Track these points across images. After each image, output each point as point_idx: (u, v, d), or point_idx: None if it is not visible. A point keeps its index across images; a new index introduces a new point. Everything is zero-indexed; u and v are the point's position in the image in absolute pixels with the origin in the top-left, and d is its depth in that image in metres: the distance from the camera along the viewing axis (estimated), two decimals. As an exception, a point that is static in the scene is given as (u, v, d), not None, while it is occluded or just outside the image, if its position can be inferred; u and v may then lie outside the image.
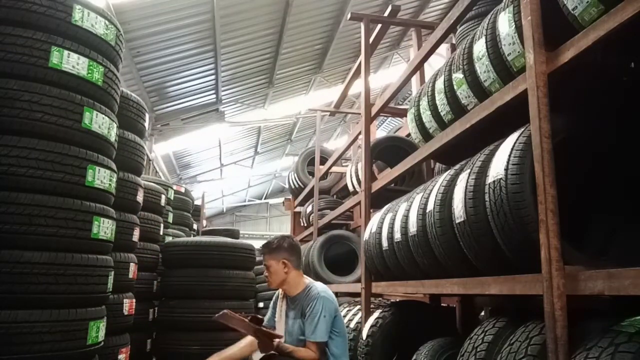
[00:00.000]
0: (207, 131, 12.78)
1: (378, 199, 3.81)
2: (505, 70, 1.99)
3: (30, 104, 2.15)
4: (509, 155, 1.72)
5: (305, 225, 7.50)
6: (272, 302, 2.76)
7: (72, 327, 2.18)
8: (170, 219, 5.69)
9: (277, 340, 2.30)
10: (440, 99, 2.55)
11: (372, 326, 2.99)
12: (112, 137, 2.56)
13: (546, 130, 1.59)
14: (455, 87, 2.40)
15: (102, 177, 2.39)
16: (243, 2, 8.19)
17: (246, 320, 2.29)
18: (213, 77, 10.36)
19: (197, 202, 10.03)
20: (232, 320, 2.29)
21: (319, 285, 2.57)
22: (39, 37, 2.22)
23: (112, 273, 2.54)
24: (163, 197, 4.36)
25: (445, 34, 2.81)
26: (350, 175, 4.96)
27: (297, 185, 8.05)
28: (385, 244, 2.93)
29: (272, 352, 2.28)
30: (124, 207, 3.10)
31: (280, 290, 2.68)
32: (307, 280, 2.63)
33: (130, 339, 3.16)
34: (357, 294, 3.68)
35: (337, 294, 4.25)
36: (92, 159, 2.34)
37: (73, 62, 2.30)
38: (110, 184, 2.48)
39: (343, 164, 7.46)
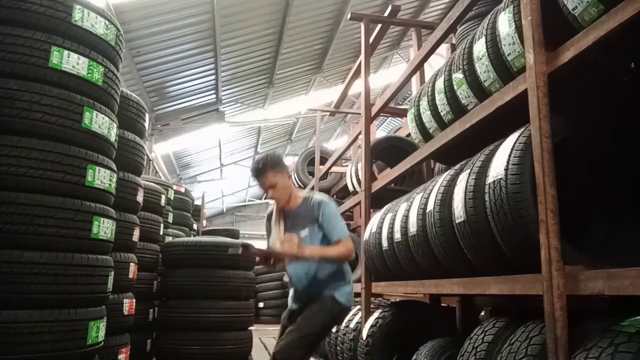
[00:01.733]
0: (207, 131, 12.78)
1: (378, 199, 3.81)
2: (505, 70, 1.99)
3: (30, 104, 2.15)
4: (509, 155, 1.72)
5: (306, 225, 7.48)
6: (266, 226, 2.64)
7: (72, 327, 2.18)
8: (170, 219, 5.69)
9: (294, 241, 2.22)
10: (440, 99, 2.55)
11: (372, 326, 2.99)
12: (112, 137, 2.56)
13: (546, 130, 1.59)
14: (455, 87, 2.40)
15: (102, 177, 2.39)
16: (243, 2, 8.19)
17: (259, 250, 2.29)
18: (213, 77, 10.36)
19: (197, 202, 10.04)
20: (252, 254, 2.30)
21: (317, 193, 2.56)
22: (39, 37, 2.22)
23: (112, 273, 2.54)
24: (163, 197, 4.36)
25: (445, 34, 2.81)
26: (350, 175, 4.96)
27: (297, 185, 8.06)
28: (385, 244, 2.93)
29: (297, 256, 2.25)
30: (124, 207, 3.10)
31: (274, 210, 2.56)
32: (300, 190, 2.60)
33: (130, 339, 3.16)
34: (357, 294, 3.68)
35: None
36: (92, 159, 2.33)
37: (73, 62, 2.30)
38: (110, 184, 2.48)
39: (343, 164, 7.46)
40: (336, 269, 2.41)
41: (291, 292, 2.55)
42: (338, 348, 3.58)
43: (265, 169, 2.36)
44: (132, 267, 3.18)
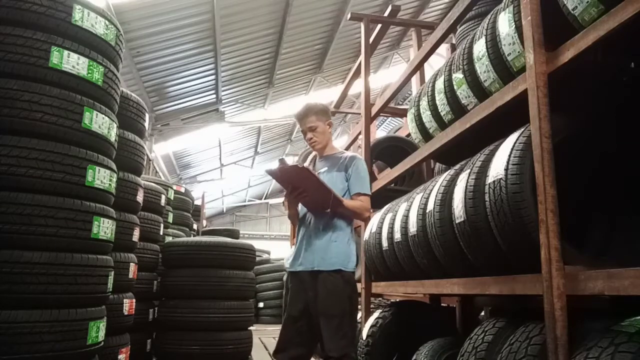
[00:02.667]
0: (207, 131, 12.79)
1: (378, 199, 3.81)
2: (505, 70, 1.99)
3: (30, 104, 2.15)
4: (509, 155, 1.72)
5: (305, 225, 7.47)
6: None
7: (72, 327, 2.17)
8: (170, 219, 5.68)
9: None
10: (440, 99, 2.55)
11: (372, 326, 2.99)
12: (112, 137, 2.55)
13: (546, 130, 1.59)
14: (455, 87, 2.40)
15: (102, 177, 2.39)
16: (243, 2, 8.19)
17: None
18: (213, 77, 10.36)
19: (197, 202, 10.04)
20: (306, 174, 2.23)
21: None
22: (39, 37, 2.21)
23: (112, 273, 2.54)
24: (163, 197, 4.36)
25: (445, 34, 2.81)
26: (350, 175, 4.94)
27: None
28: (385, 244, 2.93)
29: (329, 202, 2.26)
30: (124, 207, 3.10)
31: (308, 161, 2.65)
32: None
33: (130, 339, 3.16)
34: (357, 294, 3.68)
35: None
36: (92, 159, 2.33)
37: (73, 62, 2.30)
38: (110, 184, 2.48)
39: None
40: (339, 228, 2.38)
41: (296, 243, 2.47)
42: (338, 348, 3.57)
43: (310, 112, 2.49)
44: (132, 267, 3.18)
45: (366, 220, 2.63)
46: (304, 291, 2.34)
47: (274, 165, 2.27)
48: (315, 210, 2.40)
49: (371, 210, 2.52)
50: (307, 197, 2.35)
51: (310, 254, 2.35)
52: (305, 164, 2.59)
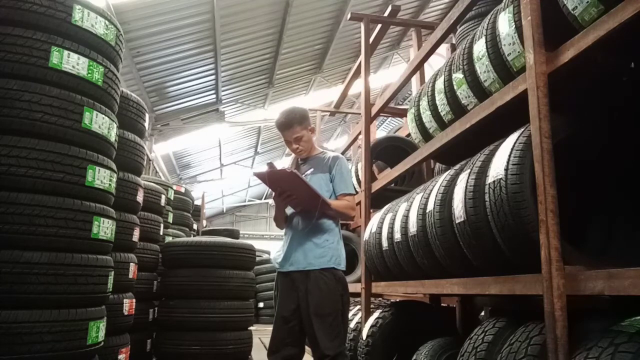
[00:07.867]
0: (207, 131, 12.79)
1: (378, 199, 3.81)
2: (505, 70, 1.99)
3: (30, 104, 2.15)
4: (509, 155, 1.72)
5: (305, 225, 7.47)
6: None
7: (72, 327, 2.17)
8: (170, 219, 5.68)
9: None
10: (440, 99, 2.55)
11: (372, 326, 2.99)
12: (112, 137, 2.55)
13: (546, 130, 1.59)
14: (455, 87, 2.40)
15: (102, 177, 2.39)
16: (243, 2, 8.19)
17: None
18: (213, 77, 10.36)
19: (197, 202, 10.04)
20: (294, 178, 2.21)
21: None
22: (39, 37, 2.21)
23: (112, 273, 2.54)
24: (163, 197, 4.36)
25: (445, 34, 2.81)
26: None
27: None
28: (385, 244, 2.93)
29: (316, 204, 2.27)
30: (124, 207, 3.10)
31: (291, 162, 2.65)
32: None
33: (130, 339, 3.16)
34: (357, 294, 3.68)
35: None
36: (92, 159, 2.33)
37: (73, 62, 2.30)
38: (110, 184, 2.48)
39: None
40: (328, 229, 2.40)
41: (285, 244, 2.48)
42: (338, 348, 3.57)
43: (294, 121, 2.43)
44: (132, 267, 3.18)
45: (352, 219, 2.66)
46: (295, 291, 2.35)
47: (264, 168, 2.27)
48: (303, 212, 2.42)
49: (356, 208, 2.54)
50: (295, 200, 2.37)
51: (301, 254, 2.36)
52: (288, 165, 2.61)
